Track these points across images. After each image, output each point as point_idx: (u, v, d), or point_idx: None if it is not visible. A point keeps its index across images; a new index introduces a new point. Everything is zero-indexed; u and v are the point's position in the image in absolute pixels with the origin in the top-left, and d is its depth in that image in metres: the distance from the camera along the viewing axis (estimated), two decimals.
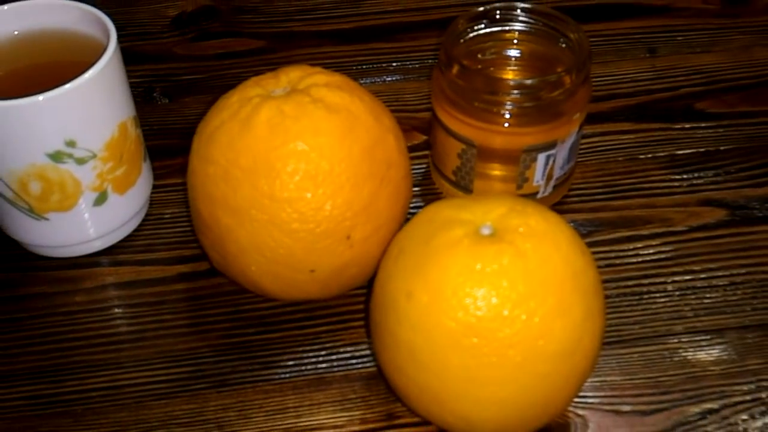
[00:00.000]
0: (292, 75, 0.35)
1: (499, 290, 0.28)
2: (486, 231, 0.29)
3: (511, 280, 0.28)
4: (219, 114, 0.34)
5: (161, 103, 0.48)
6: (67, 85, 0.34)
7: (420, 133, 0.46)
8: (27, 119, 0.34)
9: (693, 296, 0.38)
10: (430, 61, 0.51)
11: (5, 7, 0.37)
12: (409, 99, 0.48)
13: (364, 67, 0.50)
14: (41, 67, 0.37)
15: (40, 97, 0.34)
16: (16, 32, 0.38)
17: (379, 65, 0.51)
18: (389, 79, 0.50)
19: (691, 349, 0.36)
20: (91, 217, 0.38)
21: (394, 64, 0.51)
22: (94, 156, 0.36)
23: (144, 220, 0.41)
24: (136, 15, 0.55)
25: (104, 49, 0.35)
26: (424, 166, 0.44)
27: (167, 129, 0.46)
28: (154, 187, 0.41)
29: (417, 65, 0.50)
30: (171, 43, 0.52)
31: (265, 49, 0.52)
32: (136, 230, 0.41)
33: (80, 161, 0.36)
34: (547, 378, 0.28)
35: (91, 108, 0.35)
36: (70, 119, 0.35)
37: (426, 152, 0.44)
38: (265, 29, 0.53)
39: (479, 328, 0.28)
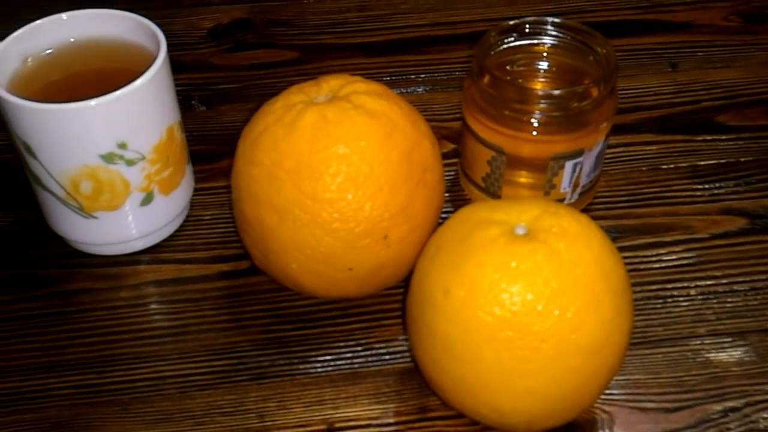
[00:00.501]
0: (332, 83, 0.37)
1: (533, 286, 0.29)
2: (520, 231, 0.31)
3: (545, 277, 0.29)
4: (264, 119, 0.36)
5: (199, 110, 0.50)
6: (118, 91, 0.36)
7: (449, 141, 0.48)
8: (80, 122, 0.36)
9: (715, 300, 0.39)
10: (457, 73, 0.53)
11: (64, 15, 0.39)
12: (438, 109, 0.50)
13: (393, 78, 0.52)
14: (95, 73, 0.39)
15: (93, 102, 0.36)
16: (72, 39, 0.40)
17: (407, 77, 0.52)
18: (418, 90, 0.51)
19: (713, 351, 0.37)
20: (138, 216, 0.39)
21: (423, 75, 0.52)
22: (143, 158, 0.38)
23: (185, 221, 0.43)
24: (173, 27, 0.57)
25: (154, 58, 0.37)
26: (452, 173, 0.46)
27: (205, 135, 0.48)
28: (194, 190, 0.43)
29: (445, 77, 0.52)
30: (207, 54, 0.54)
31: (298, 60, 0.54)
32: (177, 231, 0.43)
33: (130, 163, 0.38)
34: (578, 372, 0.30)
35: (142, 112, 0.37)
36: (122, 123, 0.37)
37: (455, 160, 0.46)
38: (297, 41, 0.55)
39: (514, 322, 0.29)
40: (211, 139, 0.48)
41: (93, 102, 0.35)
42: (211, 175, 0.46)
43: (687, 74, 0.52)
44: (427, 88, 0.51)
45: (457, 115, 0.49)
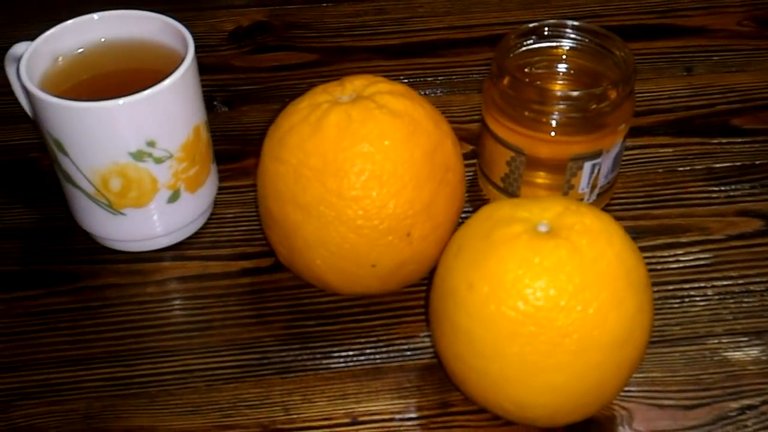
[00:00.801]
0: (356, 83, 0.38)
1: (557, 282, 0.30)
2: (543, 228, 0.31)
3: (568, 273, 0.30)
4: (290, 118, 0.37)
5: (221, 111, 0.51)
6: (148, 91, 0.37)
7: (466, 143, 0.48)
8: (109, 120, 0.37)
9: (731, 300, 0.40)
10: (473, 75, 0.53)
11: (95, 16, 0.40)
12: (456, 111, 0.51)
13: (410, 80, 0.53)
14: (125, 73, 0.40)
15: (121, 101, 0.37)
16: (103, 39, 0.41)
17: (425, 79, 0.53)
18: (436, 92, 0.52)
19: (730, 350, 0.38)
20: (164, 213, 0.40)
21: (440, 78, 0.53)
22: (171, 156, 0.39)
23: (208, 219, 0.44)
24: (194, 29, 0.57)
25: (182, 58, 0.38)
26: (471, 174, 0.46)
27: (227, 135, 0.49)
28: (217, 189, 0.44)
29: (462, 79, 0.53)
30: (229, 56, 0.55)
31: (317, 62, 0.55)
32: (201, 228, 0.43)
33: (158, 161, 0.38)
34: (600, 367, 0.30)
35: (171, 111, 0.38)
36: (151, 121, 0.37)
37: (473, 161, 0.47)
38: (316, 44, 0.56)
39: (537, 317, 0.30)
40: (233, 139, 0.49)
41: (121, 101, 0.36)
42: (233, 174, 0.46)
43: (702, 78, 0.52)
44: (445, 91, 0.52)
45: (475, 117, 0.50)
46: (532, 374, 0.30)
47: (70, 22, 0.40)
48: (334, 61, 0.55)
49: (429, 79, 0.53)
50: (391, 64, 0.54)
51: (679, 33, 0.56)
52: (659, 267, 0.41)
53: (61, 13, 0.41)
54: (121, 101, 0.36)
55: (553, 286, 0.30)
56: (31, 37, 0.40)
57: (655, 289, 0.40)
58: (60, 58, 0.40)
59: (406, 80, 0.53)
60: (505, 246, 0.31)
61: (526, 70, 0.43)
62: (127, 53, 0.41)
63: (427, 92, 0.52)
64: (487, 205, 0.34)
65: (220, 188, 0.44)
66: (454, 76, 0.53)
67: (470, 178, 0.46)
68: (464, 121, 0.50)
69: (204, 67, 0.55)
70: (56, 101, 0.36)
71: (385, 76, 0.38)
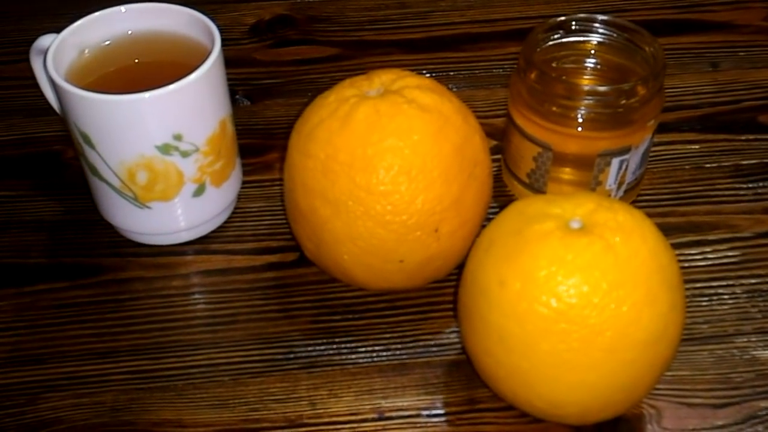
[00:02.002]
0: (384, 77, 0.38)
1: (590, 279, 0.29)
2: (575, 225, 0.31)
3: (601, 270, 0.30)
4: (318, 112, 0.37)
5: (243, 105, 0.51)
6: (174, 84, 0.37)
7: (490, 138, 0.48)
8: (136, 114, 0.37)
9: (760, 299, 0.39)
10: (496, 70, 0.53)
11: (122, 8, 0.40)
12: (479, 106, 0.50)
13: (433, 75, 0.53)
14: (151, 66, 0.40)
15: (147, 95, 0.36)
16: (130, 32, 0.41)
17: (447, 74, 0.53)
18: (458, 87, 0.52)
19: (759, 348, 0.37)
20: (190, 207, 0.40)
21: (463, 72, 0.53)
22: (197, 150, 0.39)
23: (232, 213, 0.44)
24: (216, 22, 0.58)
25: (208, 52, 0.38)
26: (494, 169, 0.46)
27: (250, 129, 0.49)
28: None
29: (485, 74, 0.53)
30: (250, 50, 0.55)
31: (339, 56, 0.55)
32: (225, 222, 0.43)
33: (184, 154, 0.38)
34: (633, 364, 0.30)
35: (198, 105, 0.38)
36: (178, 115, 0.37)
37: (497, 156, 0.46)
38: (338, 38, 0.56)
39: (570, 314, 0.29)
40: (256, 133, 0.49)
41: (147, 94, 0.36)
42: (256, 169, 0.46)
43: (728, 74, 0.52)
44: (467, 85, 0.52)
45: (499, 112, 0.50)
46: (563, 372, 0.30)
47: (96, 14, 0.40)
48: (356, 55, 0.54)
49: (452, 73, 0.53)
50: (413, 59, 0.54)
51: (705, 28, 0.55)
52: (687, 265, 0.41)
53: (87, 5, 0.41)
54: (147, 95, 0.36)
55: (586, 284, 0.29)
56: (57, 30, 0.40)
57: None
58: (86, 51, 0.40)
59: (428, 75, 0.52)
60: (538, 242, 0.31)
61: (553, 64, 0.42)
62: (154, 46, 0.41)
63: (449, 87, 0.51)
64: (518, 201, 0.34)
65: (243, 182, 0.44)
66: (477, 71, 0.53)
67: (495, 173, 0.46)
68: (488, 116, 0.50)
69: (226, 61, 0.55)
70: (84, 94, 0.36)
71: (410, 71, 0.38)
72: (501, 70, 0.53)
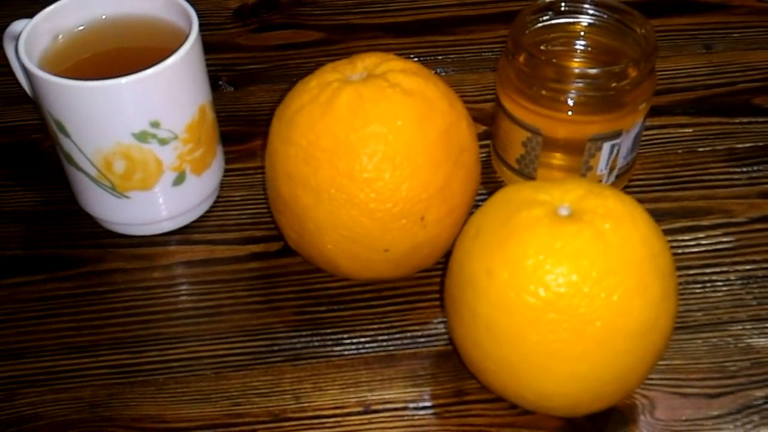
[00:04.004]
0: (367, 61, 0.36)
1: (579, 268, 0.29)
2: (564, 211, 0.30)
3: (591, 258, 0.29)
4: (299, 98, 0.35)
5: (227, 91, 0.50)
6: (151, 69, 0.35)
7: (480, 123, 0.47)
8: (112, 100, 0.35)
9: (755, 285, 0.38)
10: (486, 53, 0.52)
11: None
12: (468, 90, 0.49)
13: (421, 59, 0.52)
14: (127, 51, 0.39)
15: (123, 80, 0.35)
16: (104, 17, 0.39)
17: (435, 57, 0.52)
18: (447, 71, 0.51)
19: (754, 336, 0.36)
20: (170, 196, 0.39)
21: (452, 56, 0.52)
22: (176, 137, 0.37)
23: (215, 202, 0.43)
24: (198, 6, 0.55)
25: (186, 36, 0.37)
26: (484, 155, 0.45)
27: (233, 116, 0.48)
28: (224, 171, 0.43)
29: (474, 58, 0.51)
30: (234, 34, 0.54)
31: (325, 40, 0.53)
32: (207, 212, 0.42)
33: (163, 142, 0.37)
34: (625, 355, 0.29)
35: (175, 91, 0.37)
36: (155, 101, 0.36)
37: (486, 142, 0.45)
38: (324, 21, 0.55)
39: (559, 304, 0.29)
40: (239, 119, 0.48)
41: (124, 80, 0.35)
42: (240, 156, 0.45)
43: (722, 56, 0.51)
44: (456, 69, 0.51)
45: (488, 96, 0.49)
46: (553, 363, 0.29)
47: None
48: (343, 39, 0.53)
49: (440, 57, 0.52)
50: (401, 42, 0.53)
51: (699, 9, 0.54)
52: (680, 251, 0.40)
53: None
54: (123, 80, 0.35)
55: (575, 272, 0.29)
56: (30, 15, 0.38)
57: (676, 273, 0.39)
58: (60, 36, 0.39)
59: (416, 58, 0.51)
60: (525, 230, 0.30)
61: (542, 47, 0.41)
62: (129, 31, 0.39)
63: (438, 71, 0.51)
64: (506, 187, 0.33)
65: (226, 170, 0.43)
66: (466, 55, 0.52)
67: (484, 159, 0.45)
68: (477, 100, 0.49)
69: (209, 46, 0.54)
70: (56, 80, 0.35)
71: (395, 55, 0.37)
72: (491, 53, 0.52)
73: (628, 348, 0.29)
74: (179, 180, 0.39)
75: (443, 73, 0.50)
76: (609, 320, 0.28)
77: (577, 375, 0.29)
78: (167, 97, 0.36)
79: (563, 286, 0.29)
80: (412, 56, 0.51)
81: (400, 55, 0.38)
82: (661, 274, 0.29)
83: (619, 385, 0.30)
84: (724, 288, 0.38)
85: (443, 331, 0.37)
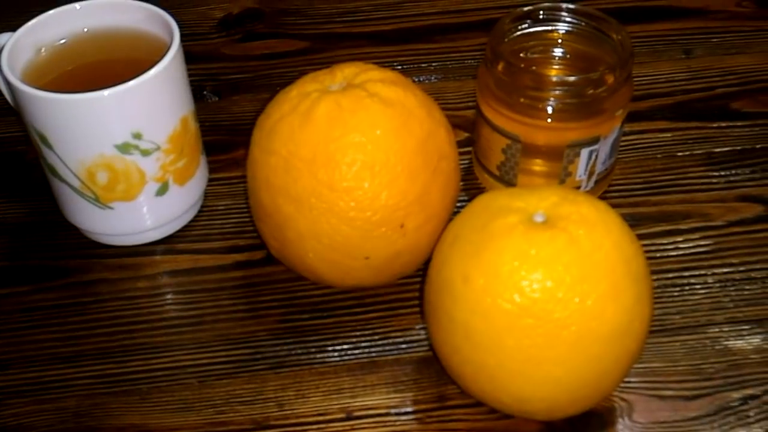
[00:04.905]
0: (347, 71, 0.37)
1: (553, 274, 0.29)
2: (539, 218, 0.31)
3: (565, 264, 0.29)
4: (279, 108, 0.36)
5: (211, 101, 0.50)
6: (132, 81, 0.36)
7: (461, 130, 0.47)
8: (94, 112, 0.36)
9: (732, 288, 0.39)
10: (468, 61, 0.52)
11: (77, 5, 0.39)
12: (450, 98, 0.50)
13: (404, 67, 0.52)
14: (108, 63, 0.39)
15: (106, 92, 0.36)
16: (85, 29, 0.40)
17: (418, 65, 0.52)
18: (430, 78, 0.51)
19: (731, 338, 0.37)
20: (153, 207, 0.39)
21: (434, 64, 0.52)
22: (158, 148, 0.38)
23: (199, 211, 0.43)
24: (183, 17, 0.56)
25: (167, 47, 0.37)
26: (466, 161, 0.45)
27: (217, 125, 0.48)
28: (207, 180, 0.43)
29: (456, 65, 0.52)
30: (218, 44, 0.54)
31: (309, 49, 0.54)
32: (191, 221, 0.43)
33: (145, 153, 0.37)
34: (599, 359, 0.30)
35: (157, 102, 0.37)
36: (137, 112, 0.36)
37: (468, 149, 0.46)
38: (307, 31, 0.55)
39: (534, 309, 0.29)
40: (223, 129, 0.48)
41: (106, 92, 0.35)
42: (224, 166, 0.46)
43: (701, 61, 0.51)
44: (439, 77, 0.51)
45: (470, 104, 0.49)
46: (530, 367, 0.30)
47: (51, 12, 0.39)
48: (327, 48, 0.54)
49: (423, 65, 0.52)
50: (384, 51, 0.53)
51: (677, 15, 0.55)
52: (658, 255, 0.41)
53: (42, 2, 0.40)
54: (105, 92, 0.35)
55: (549, 278, 0.29)
56: (12, 28, 0.39)
57: (655, 277, 0.40)
58: (42, 49, 0.39)
59: (399, 67, 0.52)
60: (501, 237, 0.30)
61: (521, 55, 0.42)
62: (111, 43, 0.40)
63: (421, 79, 0.51)
64: (483, 195, 0.33)
65: (210, 179, 0.43)
66: (448, 62, 0.52)
67: (466, 166, 0.45)
68: (459, 107, 0.49)
69: (193, 56, 0.55)
70: (39, 93, 0.35)
71: (378, 63, 0.38)
72: (473, 61, 0.52)
73: (602, 351, 0.29)
74: (162, 190, 0.39)
75: (426, 81, 0.51)
76: (583, 324, 0.29)
77: (553, 378, 0.30)
78: (149, 109, 0.37)
79: (538, 292, 0.29)
80: (395, 64, 0.52)
81: (383, 63, 0.38)
82: (635, 278, 0.30)
83: (595, 388, 0.31)
84: (702, 291, 0.39)
85: (424, 337, 0.37)
